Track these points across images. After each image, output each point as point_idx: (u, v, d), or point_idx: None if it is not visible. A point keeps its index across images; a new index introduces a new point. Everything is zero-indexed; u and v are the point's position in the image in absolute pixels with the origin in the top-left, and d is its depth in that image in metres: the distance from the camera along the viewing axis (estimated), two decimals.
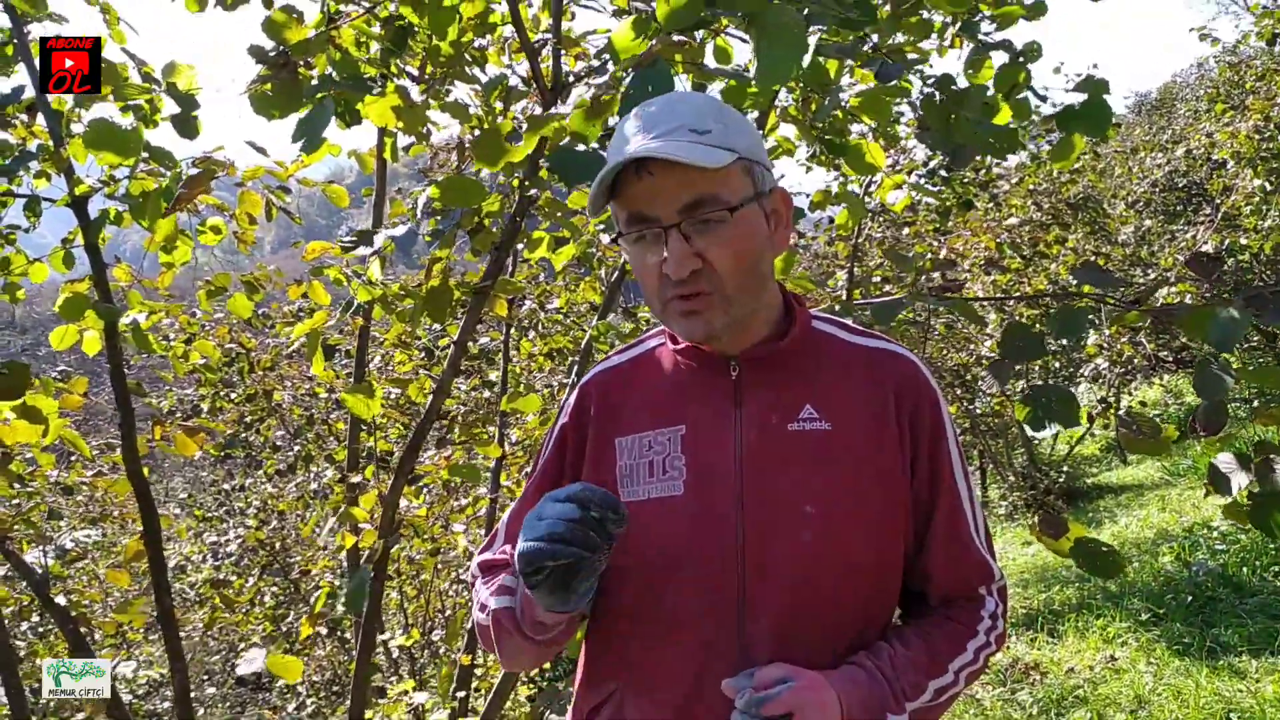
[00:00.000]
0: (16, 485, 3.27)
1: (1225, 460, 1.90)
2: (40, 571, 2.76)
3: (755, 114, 2.73)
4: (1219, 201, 9.48)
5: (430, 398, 2.59)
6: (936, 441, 1.20)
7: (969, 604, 1.23)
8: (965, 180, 6.24)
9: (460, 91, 2.81)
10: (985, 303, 7.33)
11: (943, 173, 6.03)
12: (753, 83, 1.53)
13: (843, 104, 2.54)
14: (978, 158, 6.25)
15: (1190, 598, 4.57)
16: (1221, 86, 9.77)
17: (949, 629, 1.20)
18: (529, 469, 4.29)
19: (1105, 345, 7.86)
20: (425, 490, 4.21)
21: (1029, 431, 1.73)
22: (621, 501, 1.06)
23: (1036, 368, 7.74)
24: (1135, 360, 8.23)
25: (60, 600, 2.76)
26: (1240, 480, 1.88)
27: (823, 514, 1.14)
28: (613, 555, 1.22)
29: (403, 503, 3.07)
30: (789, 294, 1.26)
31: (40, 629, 4.59)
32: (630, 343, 1.34)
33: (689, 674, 1.15)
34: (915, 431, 1.19)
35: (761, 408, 1.18)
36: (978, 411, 8.04)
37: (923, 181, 5.38)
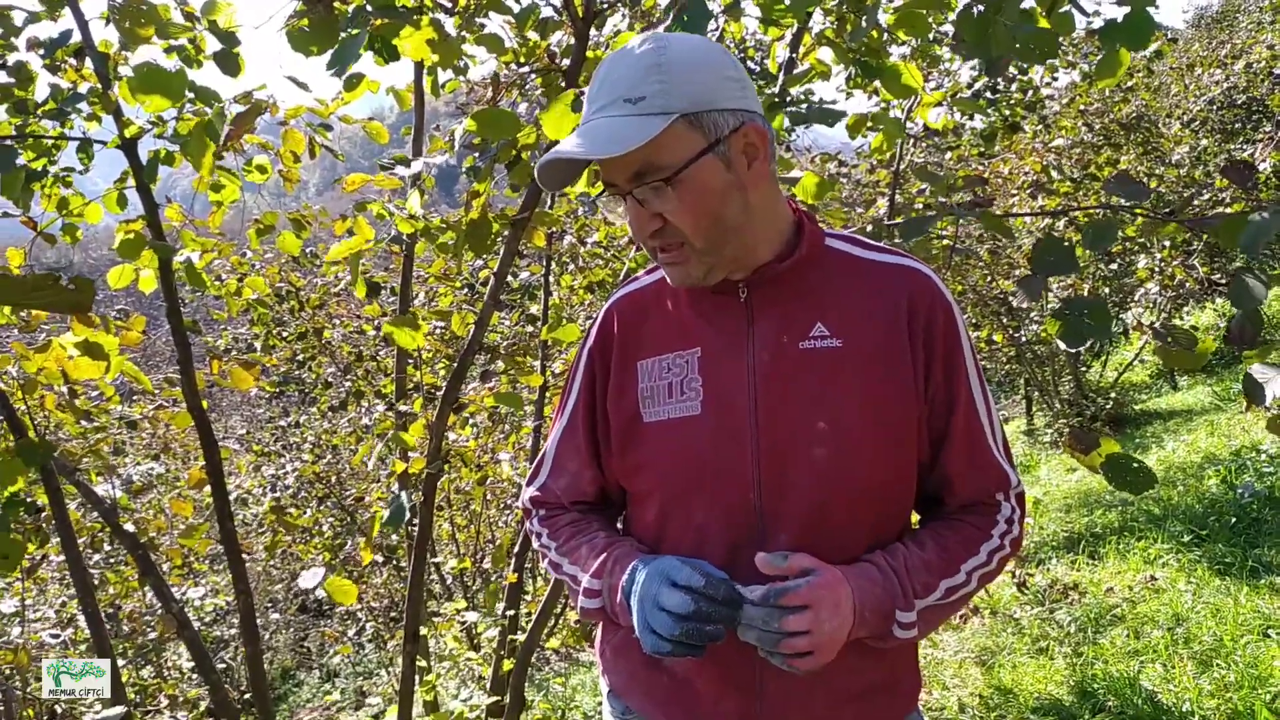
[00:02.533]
0: (84, 421, 3.41)
1: (1260, 369, 1.86)
2: (109, 501, 2.91)
3: (790, 33, 2.71)
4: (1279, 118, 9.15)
5: (472, 329, 2.66)
6: (951, 352, 1.22)
7: (985, 509, 1.27)
8: (1012, 101, 6.08)
9: (494, 24, 2.81)
10: (1025, 221, 7.21)
11: (988, 94, 5.89)
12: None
13: (879, 24, 2.50)
14: (1025, 77, 6.07)
15: (1234, 519, 4.54)
16: None
17: (964, 532, 1.24)
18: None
19: (1157, 269, 7.69)
20: (471, 422, 4.32)
21: (1062, 346, 1.72)
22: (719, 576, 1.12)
23: (1085, 294, 7.61)
24: (1187, 284, 8.06)
25: (129, 528, 2.90)
26: (1276, 389, 1.84)
27: (835, 430, 1.18)
28: (639, 478, 1.29)
29: (451, 435, 3.17)
30: (802, 213, 1.27)
31: (111, 558, 4.80)
32: (654, 264, 1.35)
33: None
34: (929, 343, 1.21)
35: (772, 328, 1.22)
36: (1023, 339, 7.94)
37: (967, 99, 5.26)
